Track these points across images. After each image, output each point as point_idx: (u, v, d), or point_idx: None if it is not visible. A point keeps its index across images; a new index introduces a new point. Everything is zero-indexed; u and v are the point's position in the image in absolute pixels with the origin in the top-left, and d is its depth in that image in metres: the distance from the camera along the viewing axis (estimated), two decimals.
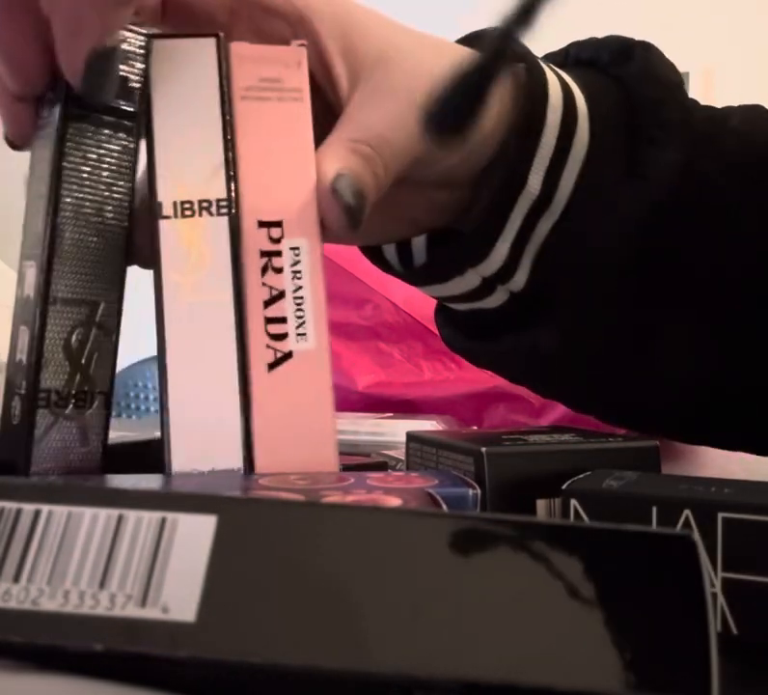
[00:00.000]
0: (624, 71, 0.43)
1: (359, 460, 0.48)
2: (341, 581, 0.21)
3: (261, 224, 0.36)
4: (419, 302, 0.95)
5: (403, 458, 0.49)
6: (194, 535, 0.22)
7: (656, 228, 0.42)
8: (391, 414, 0.79)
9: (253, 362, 0.36)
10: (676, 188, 0.42)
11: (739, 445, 0.51)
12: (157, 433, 0.37)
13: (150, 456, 0.49)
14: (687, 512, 0.34)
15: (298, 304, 0.36)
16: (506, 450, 0.42)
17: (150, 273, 0.37)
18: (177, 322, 0.36)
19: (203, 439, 0.36)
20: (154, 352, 0.37)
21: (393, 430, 0.67)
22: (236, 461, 0.36)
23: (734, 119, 0.45)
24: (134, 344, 1.56)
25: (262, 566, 0.21)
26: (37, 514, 0.22)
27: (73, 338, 0.37)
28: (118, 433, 0.58)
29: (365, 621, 0.20)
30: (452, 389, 0.91)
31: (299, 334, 0.36)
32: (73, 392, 0.37)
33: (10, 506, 0.22)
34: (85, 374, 0.37)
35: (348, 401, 0.91)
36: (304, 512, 0.22)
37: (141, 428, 0.84)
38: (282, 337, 0.36)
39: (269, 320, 0.36)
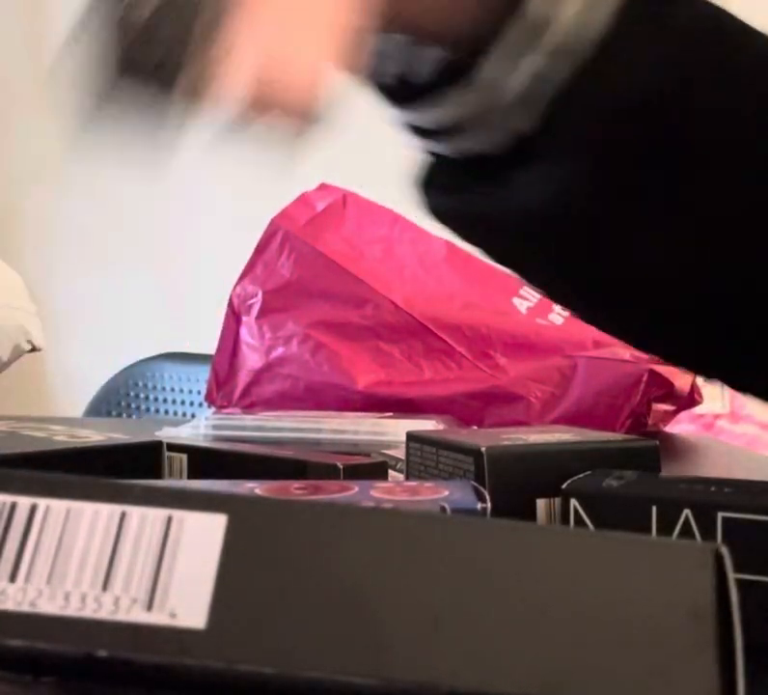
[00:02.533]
0: None
1: (359, 460, 0.48)
2: (358, 586, 0.20)
3: None
4: (419, 302, 0.95)
5: (403, 457, 0.49)
6: (203, 535, 0.21)
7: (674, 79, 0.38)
8: (391, 414, 0.79)
9: None
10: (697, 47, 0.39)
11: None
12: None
13: (146, 458, 0.49)
14: (687, 512, 0.34)
15: None
16: (506, 450, 0.42)
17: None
18: None
19: None
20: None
21: (393, 430, 0.67)
22: None
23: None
24: (134, 343, 1.56)
25: (276, 569, 0.20)
26: (33, 508, 0.21)
27: None
28: (113, 435, 0.58)
29: (384, 628, 0.20)
30: (452, 389, 0.91)
31: None
32: None
33: (4, 499, 0.21)
34: None
35: (348, 400, 0.91)
36: (321, 512, 0.21)
37: (140, 428, 0.84)
38: None
39: None
